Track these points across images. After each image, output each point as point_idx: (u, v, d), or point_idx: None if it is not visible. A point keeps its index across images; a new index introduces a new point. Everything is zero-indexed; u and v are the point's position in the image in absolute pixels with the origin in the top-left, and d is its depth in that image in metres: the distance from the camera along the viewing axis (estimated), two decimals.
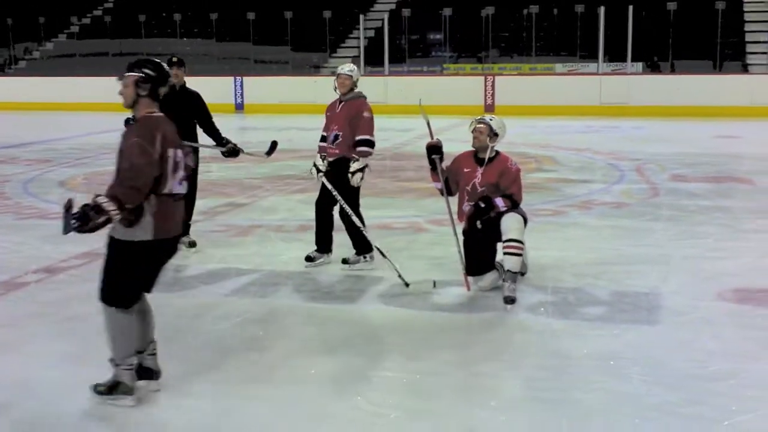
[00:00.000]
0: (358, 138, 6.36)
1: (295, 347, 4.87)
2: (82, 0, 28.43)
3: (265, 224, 8.15)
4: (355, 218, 6.37)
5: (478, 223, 5.70)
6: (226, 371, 4.52)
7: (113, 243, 4.00)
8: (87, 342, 5.00)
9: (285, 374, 4.48)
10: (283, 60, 24.60)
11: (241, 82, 22.47)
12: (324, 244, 6.63)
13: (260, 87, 22.30)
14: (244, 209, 9.00)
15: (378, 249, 6.28)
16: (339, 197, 6.36)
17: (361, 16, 23.44)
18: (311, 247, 6.90)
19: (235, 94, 22.40)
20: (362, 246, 6.53)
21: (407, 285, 5.88)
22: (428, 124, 6.10)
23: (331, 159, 6.47)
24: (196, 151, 7.04)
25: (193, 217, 7.93)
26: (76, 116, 20.21)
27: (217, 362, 4.63)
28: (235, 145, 7.25)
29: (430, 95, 17.87)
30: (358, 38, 23.59)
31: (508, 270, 5.60)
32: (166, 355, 4.75)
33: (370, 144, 6.38)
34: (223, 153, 7.23)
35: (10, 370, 4.59)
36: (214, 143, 7.26)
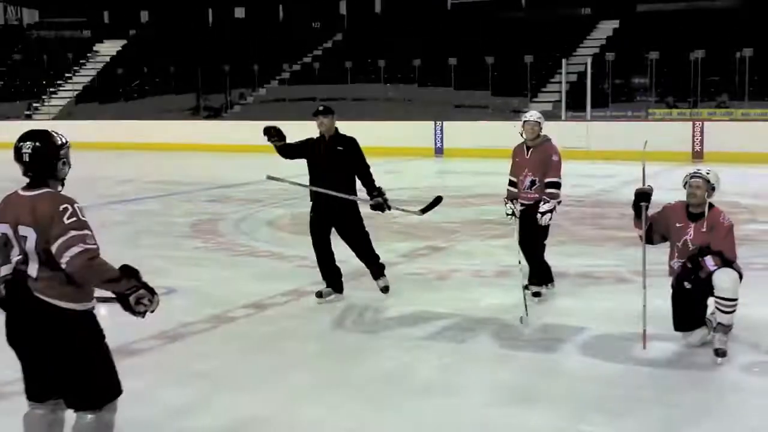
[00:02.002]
0: (547, 180, 6.73)
1: (492, 395, 4.82)
2: (293, 48, 29.94)
3: (463, 269, 8.16)
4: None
5: (686, 283, 5.43)
6: (421, 416, 4.54)
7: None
8: (284, 378, 5.19)
9: (479, 422, 4.43)
10: (483, 104, 24.77)
11: (441, 126, 22.76)
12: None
13: (460, 131, 22.50)
14: (443, 253, 9.07)
15: (524, 287, 6.55)
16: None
17: (564, 61, 23.23)
18: (510, 293, 6.90)
19: (435, 139, 22.72)
20: (546, 276, 6.88)
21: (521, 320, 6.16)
22: (644, 168, 5.89)
23: (527, 203, 6.83)
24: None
25: (394, 259, 8.13)
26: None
27: (412, 406, 4.66)
28: (385, 200, 6.87)
29: (634, 141, 17.40)
30: (560, 82, 23.39)
31: (719, 323, 5.34)
32: (363, 396, 4.86)
33: (558, 186, 6.74)
34: (371, 206, 6.92)
35: (223, 404, 4.81)
36: (367, 193, 6.90)
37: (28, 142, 3.53)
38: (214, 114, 28.46)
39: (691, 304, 5.51)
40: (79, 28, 34.72)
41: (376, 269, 7.13)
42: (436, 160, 21.59)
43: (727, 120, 21.34)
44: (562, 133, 20.44)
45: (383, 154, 21.44)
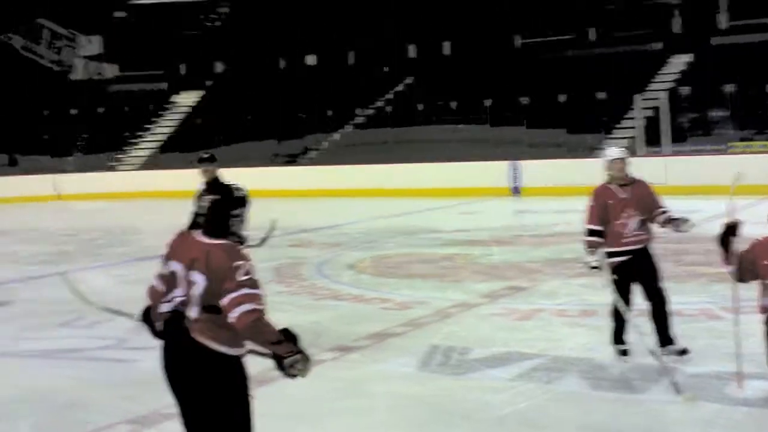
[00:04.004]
0: (664, 209, 6.42)
1: None
2: (365, 93, 30.30)
3: (547, 308, 8.10)
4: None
5: None
6: None
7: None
8: (373, 419, 5.22)
9: None
10: (557, 143, 24.61)
11: (518, 166, 22.58)
12: None
13: (536, 170, 22.34)
14: (525, 293, 9.01)
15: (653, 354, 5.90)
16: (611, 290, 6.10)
17: (637, 96, 23.02)
18: (596, 333, 6.79)
19: (510, 178, 22.52)
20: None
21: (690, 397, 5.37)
22: (731, 200, 5.78)
23: (634, 248, 6.22)
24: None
25: (476, 300, 8.12)
26: (361, 202, 21.31)
27: None
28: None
29: (714, 175, 17.08)
30: (634, 118, 23.15)
31: None
32: None
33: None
34: None
35: None
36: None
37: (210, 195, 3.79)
38: (292, 160, 28.87)
39: None
40: (157, 81, 35.74)
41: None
42: (512, 199, 21.47)
43: None
44: (639, 169, 20.31)
45: (458, 195, 21.51)
